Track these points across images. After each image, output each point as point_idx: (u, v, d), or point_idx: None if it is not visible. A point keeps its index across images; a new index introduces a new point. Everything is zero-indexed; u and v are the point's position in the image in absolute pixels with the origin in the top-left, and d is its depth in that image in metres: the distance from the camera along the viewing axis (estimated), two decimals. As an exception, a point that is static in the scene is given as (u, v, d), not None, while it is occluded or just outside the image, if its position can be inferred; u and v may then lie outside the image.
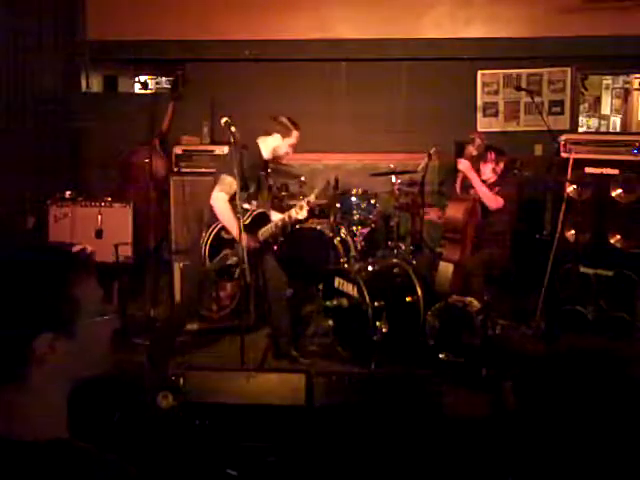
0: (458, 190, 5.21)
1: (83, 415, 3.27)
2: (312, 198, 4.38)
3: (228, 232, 4.25)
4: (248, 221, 4.27)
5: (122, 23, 6.33)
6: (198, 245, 4.33)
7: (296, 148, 4.52)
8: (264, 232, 4.38)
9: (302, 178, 5.82)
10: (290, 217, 4.37)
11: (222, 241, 4.29)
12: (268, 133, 4.37)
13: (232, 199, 4.16)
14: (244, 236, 4.01)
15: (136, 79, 7.54)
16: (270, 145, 4.38)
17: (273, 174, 5.59)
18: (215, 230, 4.26)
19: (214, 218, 4.26)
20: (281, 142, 4.38)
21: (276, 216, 4.53)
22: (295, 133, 4.39)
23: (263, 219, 4.42)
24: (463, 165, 5.01)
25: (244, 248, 3.95)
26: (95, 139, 6.24)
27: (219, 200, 4.18)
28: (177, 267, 5.58)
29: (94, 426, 3.22)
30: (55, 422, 1.17)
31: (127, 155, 6.00)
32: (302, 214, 4.33)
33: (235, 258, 4.31)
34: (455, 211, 5.06)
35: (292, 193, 6.00)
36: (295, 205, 4.41)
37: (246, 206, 4.30)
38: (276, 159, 4.51)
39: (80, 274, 1.19)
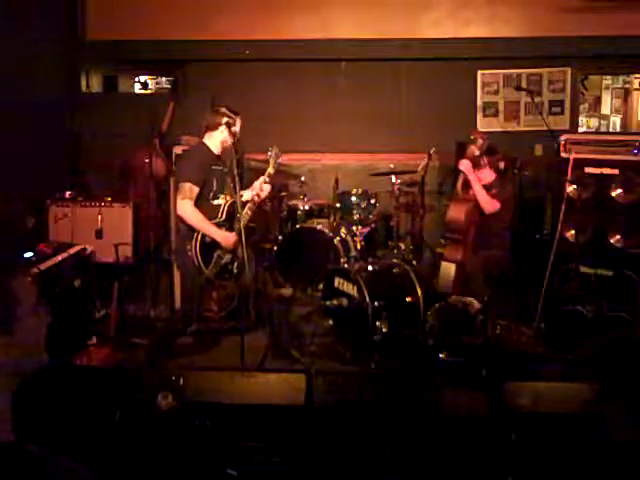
0: (459, 190, 5.21)
1: (83, 415, 3.27)
2: (270, 170, 4.47)
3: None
4: (224, 216, 4.28)
5: (122, 23, 6.33)
6: (185, 254, 4.29)
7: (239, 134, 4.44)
8: (245, 214, 4.37)
9: (302, 178, 5.83)
10: (259, 195, 4.46)
11: (209, 245, 4.28)
12: (213, 128, 4.33)
13: (197, 201, 4.18)
14: (227, 234, 4.12)
15: (136, 79, 7.54)
16: (218, 139, 4.34)
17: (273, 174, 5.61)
18: (198, 237, 4.24)
19: (187, 226, 4.24)
20: (227, 134, 4.32)
21: (246, 194, 4.53)
22: (237, 119, 4.36)
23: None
24: (464, 165, 5.00)
25: (244, 245, 3.98)
26: (95, 139, 6.24)
27: (185, 209, 4.16)
28: (176, 266, 5.57)
29: (94, 426, 3.22)
30: (2, 424, 1.15)
31: (127, 155, 6.00)
32: (266, 188, 4.47)
33: (228, 255, 4.32)
34: (457, 211, 5.06)
35: (292, 193, 6.01)
36: (258, 184, 4.47)
37: (217, 202, 4.31)
38: (225, 150, 4.47)
39: (16, 276, 1.19)
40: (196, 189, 4.14)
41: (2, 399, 1.17)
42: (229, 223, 4.31)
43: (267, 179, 4.47)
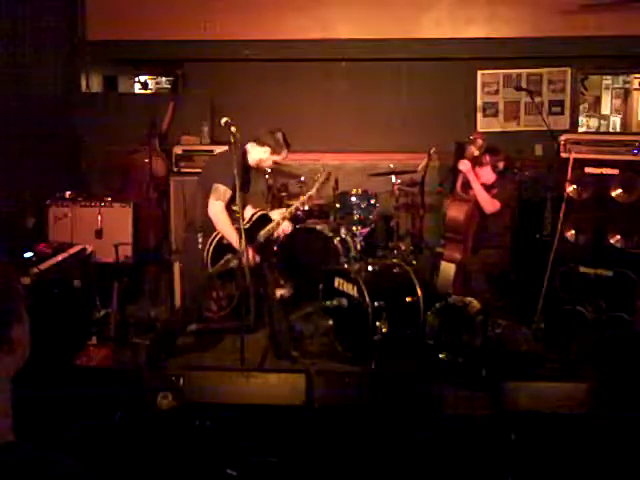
0: (459, 190, 5.21)
1: (83, 415, 3.27)
2: (313, 192, 4.43)
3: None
4: (248, 225, 4.28)
5: (122, 23, 6.33)
6: (194, 250, 4.30)
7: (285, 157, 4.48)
8: (266, 232, 4.38)
9: (302, 178, 5.82)
10: (291, 213, 4.42)
11: (224, 247, 4.28)
12: (260, 143, 4.33)
13: (227, 206, 4.17)
14: (245, 247, 4.06)
15: (136, 79, 7.54)
16: (257, 155, 4.35)
17: (272, 174, 5.61)
18: (217, 238, 4.25)
19: (207, 224, 4.24)
20: (268, 156, 4.35)
21: (276, 214, 4.53)
22: (284, 153, 4.38)
23: (264, 221, 4.42)
24: (464, 165, 5.00)
25: (245, 253, 3.97)
26: (95, 139, 6.24)
27: (217, 210, 4.15)
28: (177, 267, 5.57)
29: (94, 426, 3.22)
30: (5, 423, 1.15)
31: (127, 155, 6.00)
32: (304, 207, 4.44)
33: (237, 261, 4.30)
34: (457, 211, 5.06)
35: (292, 193, 6.00)
36: (295, 202, 4.44)
37: (235, 208, 4.31)
38: (258, 168, 4.48)
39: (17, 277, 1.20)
40: (229, 193, 4.11)
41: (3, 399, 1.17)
42: (251, 233, 4.30)
43: (307, 199, 4.46)
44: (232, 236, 4.17)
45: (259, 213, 4.40)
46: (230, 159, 4.22)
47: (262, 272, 4.55)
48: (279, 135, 4.33)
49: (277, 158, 4.37)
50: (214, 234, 4.22)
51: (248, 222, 4.31)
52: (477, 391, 3.62)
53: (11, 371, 1.17)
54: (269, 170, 5.47)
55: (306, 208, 4.47)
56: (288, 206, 4.67)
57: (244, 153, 4.32)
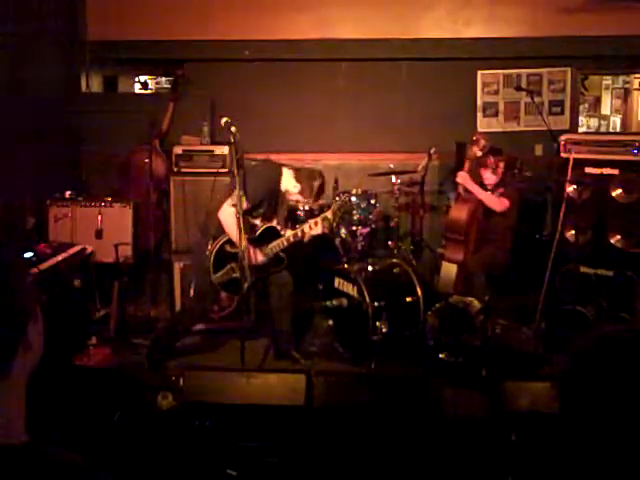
0: (461, 190, 5.21)
1: (83, 415, 3.27)
2: (329, 215, 4.27)
3: (233, 246, 4.24)
4: (256, 236, 4.29)
5: (122, 23, 6.33)
6: (201, 249, 4.32)
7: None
8: (274, 247, 4.34)
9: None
10: (303, 232, 4.26)
11: (227, 254, 4.29)
12: (297, 178, 4.32)
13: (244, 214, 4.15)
14: (250, 249, 4.06)
15: (136, 79, 7.54)
16: (287, 185, 4.37)
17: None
18: (221, 242, 4.26)
19: (220, 229, 4.25)
20: (296, 193, 4.37)
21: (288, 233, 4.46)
22: (311, 200, 4.41)
23: (272, 234, 4.40)
24: (461, 178, 5.02)
25: (245, 257, 3.98)
26: (95, 139, 6.23)
27: (228, 214, 4.15)
28: (177, 267, 5.58)
29: (94, 426, 3.22)
30: (21, 423, 1.16)
31: (127, 155, 6.00)
32: (316, 230, 4.23)
33: (240, 272, 4.29)
34: (459, 212, 5.06)
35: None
36: (309, 221, 4.33)
37: (255, 222, 4.33)
38: (286, 192, 4.47)
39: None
40: (247, 205, 4.14)
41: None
42: (259, 244, 4.31)
43: (321, 221, 4.25)
44: (239, 240, 4.20)
45: (267, 225, 4.40)
46: (266, 176, 4.23)
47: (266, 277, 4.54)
48: (316, 183, 4.32)
49: (302, 200, 4.39)
50: (219, 239, 4.24)
51: (256, 232, 4.33)
52: (477, 391, 3.62)
53: (28, 370, 1.19)
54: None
55: (318, 232, 4.35)
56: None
57: (280, 174, 4.33)
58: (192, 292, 4.77)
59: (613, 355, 1.27)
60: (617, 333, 1.30)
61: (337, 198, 4.57)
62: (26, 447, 1.10)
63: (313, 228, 4.22)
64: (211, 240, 4.31)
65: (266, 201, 4.31)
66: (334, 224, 4.52)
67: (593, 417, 1.24)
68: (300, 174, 4.34)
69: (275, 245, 4.33)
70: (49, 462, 1.10)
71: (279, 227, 4.45)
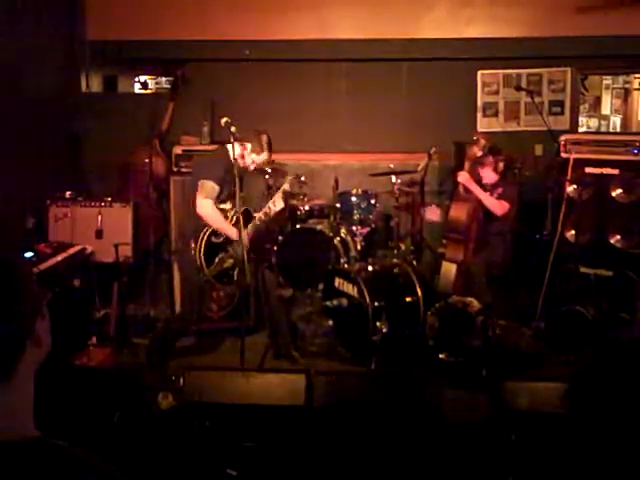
0: (461, 190, 5.21)
1: (83, 415, 3.27)
2: (287, 187, 4.46)
3: (217, 237, 4.27)
4: (234, 221, 4.30)
5: (122, 23, 6.32)
6: (188, 257, 4.31)
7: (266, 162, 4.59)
8: (249, 228, 4.40)
9: (302, 178, 5.82)
10: (270, 209, 4.41)
11: (214, 246, 4.29)
12: (241, 140, 4.31)
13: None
14: (241, 232, 4.09)
15: (136, 79, 7.53)
16: (235, 153, 4.36)
17: (274, 174, 5.60)
18: (205, 237, 4.25)
19: (200, 225, 4.25)
20: (246, 153, 4.35)
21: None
22: (265, 154, 4.39)
23: (248, 217, 4.44)
24: (463, 177, 5.01)
25: (244, 245, 3.99)
26: (95, 139, 6.23)
27: (206, 207, 4.18)
28: (177, 267, 5.57)
29: (94, 426, 3.22)
30: (30, 417, 1.16)
31: (127, 155, 6.00)
32: (279, 204, 4.39)
33: (231, 260, 4.32)
34: (459, 212, 5.06)
35: (292, 193, 5.99)
36: (274, 199, 4.44)
37: (223, 206, 4.32)
38: (249, 167, 4.48)
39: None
40: (217, 188, 4.17)
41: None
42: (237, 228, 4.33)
43: (281, 194, 4.44)
44: (229, 229, 4.21)
45: (243, 208, 4.40)
46: (216, 156, 4.24)
47: (261, 272, 4.55)
48: (264, 137, 4.34)
49: (257, 158, 4.36)
50: (201, 235, 4.23)
51: (234, 217, 4.35)
52: (477, 391, 3.62)
53: (35, 366, 1.20)
54: (269, 170, 5.47)
55: (281, 206, 4.46)
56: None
57: (226, 151, 4.32)
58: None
59: (624, 359, 1.27)
60: (630, 337, 1.31)
61: (289, 179, 4.65)
62: (35, 442, 1.11)
63: (277, 204, 4.40)
64: (192, 240, 4.29)
65: (226, 183, 4.30)
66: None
67: (603, 419, 1.24)
68: (243, 136, 4.33)
69: (251, 226, 4.40)
70: (58, 458, 1.10)
71: (251, 209, 4.53)
